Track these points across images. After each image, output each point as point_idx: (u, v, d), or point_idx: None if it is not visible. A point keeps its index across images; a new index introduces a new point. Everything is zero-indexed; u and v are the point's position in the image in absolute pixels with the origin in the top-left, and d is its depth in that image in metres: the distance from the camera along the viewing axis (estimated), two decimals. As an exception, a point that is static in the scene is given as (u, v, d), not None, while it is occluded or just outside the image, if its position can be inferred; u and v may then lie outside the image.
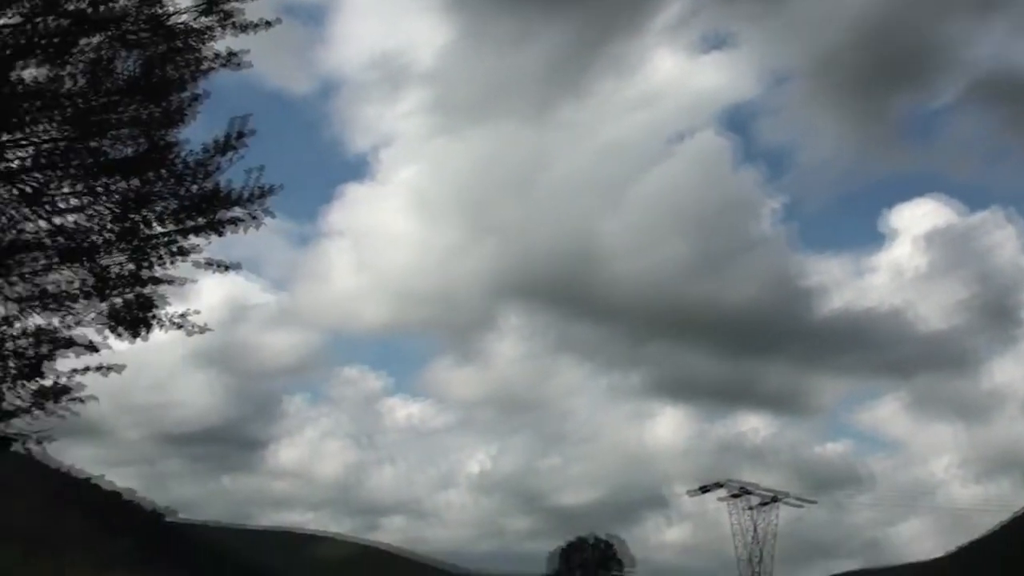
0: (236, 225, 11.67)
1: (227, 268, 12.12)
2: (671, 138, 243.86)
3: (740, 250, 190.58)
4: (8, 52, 10.01)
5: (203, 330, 11.96)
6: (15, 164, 10.73)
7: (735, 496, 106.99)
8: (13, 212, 10.89)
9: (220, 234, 11.55)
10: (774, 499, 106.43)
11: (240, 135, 11.49)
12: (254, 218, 11.76)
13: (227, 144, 11.44)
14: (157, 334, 11.83)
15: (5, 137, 10.38)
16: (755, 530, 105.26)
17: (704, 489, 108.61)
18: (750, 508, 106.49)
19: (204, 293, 14.61)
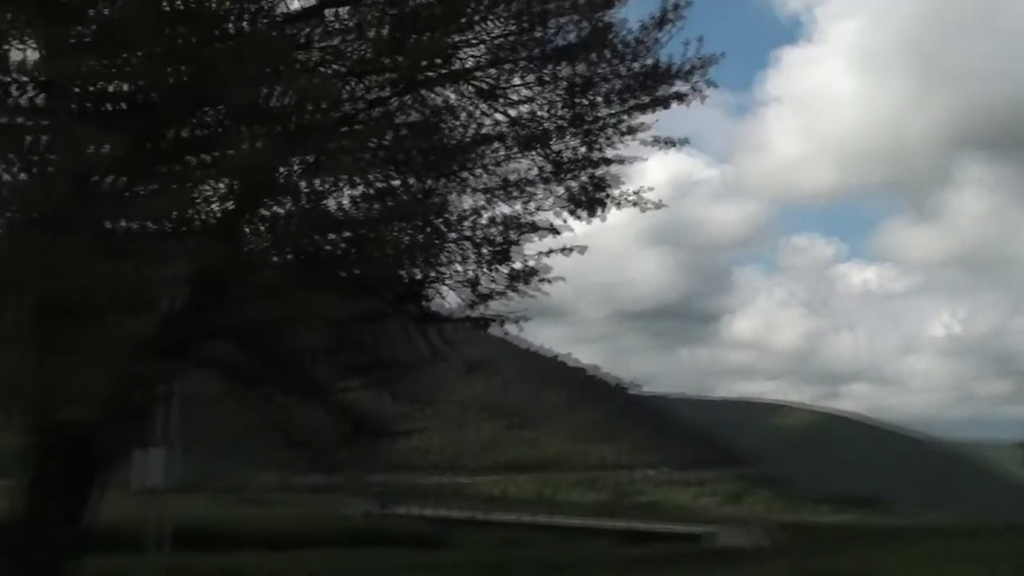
0: (679, 99, 11.71)
1: (674, 144, 12.22)
2: None
3: None
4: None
5: (658, 206, 12.17)
6: (469, 63, 11.29)
7: None
8: (471, 108, 11.51)
9: (666, 107, 11.64)
10: None
11: (675, 8, 11.43)
12: (696, 91, 11.74)
13: (663, 19, 11.41)
14: (611, 214, 12.16)
15: (457, 38, 10.92)
16: None
17: None
18: None
19: (650, 171, 14.81)
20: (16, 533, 10.89)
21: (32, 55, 9.24)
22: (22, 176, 9.32)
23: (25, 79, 9.24)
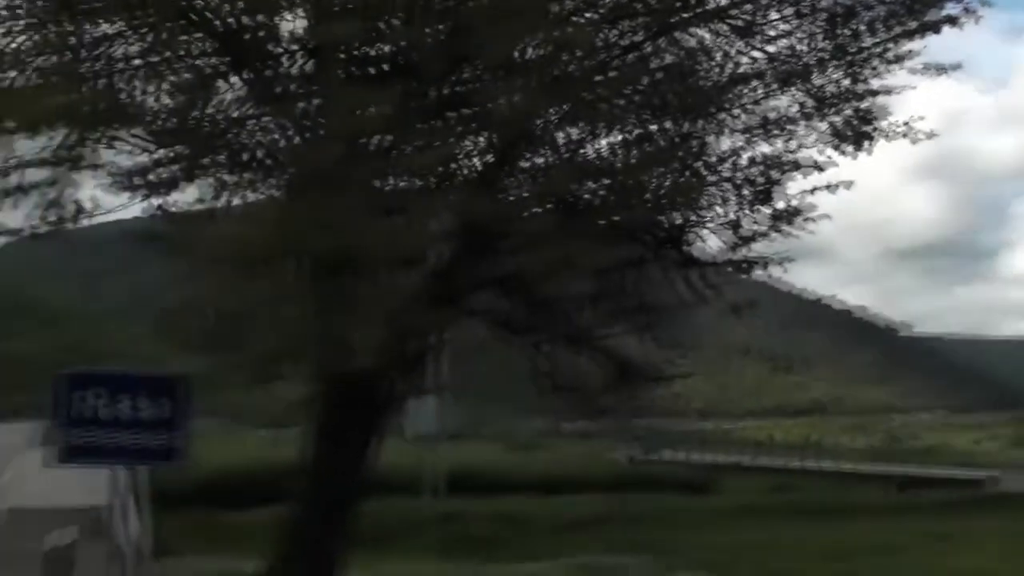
0: (951, 23, 11.05)
1: (945, 71, 11.55)
2: None
3: None
4: None
5: (929, 136, 11.55)
6: (723, 1, 11.04)
7: None
8: (727, 47, 11.25)
9: (936, 32, 11.01)
10: None
11: (944, -76, 10.78)
12: (969, 12, 11.03)
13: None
14: (878, 148, 11.66)
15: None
16: None
17: None
18: None
19: (918, 101, 14.02)
20: (303, 479, 11.60)
21: (300, 24, 9.70)
22: (297, 140, 9.82)
23: (295, 48, 9.72)
